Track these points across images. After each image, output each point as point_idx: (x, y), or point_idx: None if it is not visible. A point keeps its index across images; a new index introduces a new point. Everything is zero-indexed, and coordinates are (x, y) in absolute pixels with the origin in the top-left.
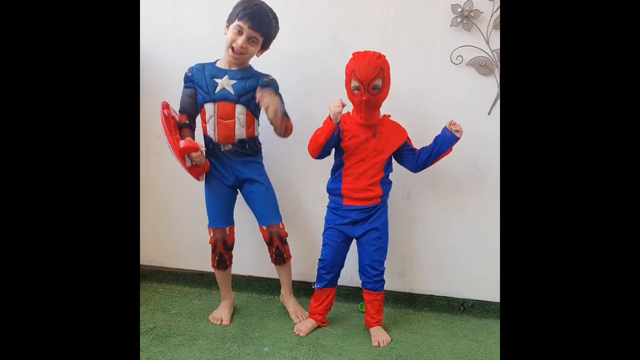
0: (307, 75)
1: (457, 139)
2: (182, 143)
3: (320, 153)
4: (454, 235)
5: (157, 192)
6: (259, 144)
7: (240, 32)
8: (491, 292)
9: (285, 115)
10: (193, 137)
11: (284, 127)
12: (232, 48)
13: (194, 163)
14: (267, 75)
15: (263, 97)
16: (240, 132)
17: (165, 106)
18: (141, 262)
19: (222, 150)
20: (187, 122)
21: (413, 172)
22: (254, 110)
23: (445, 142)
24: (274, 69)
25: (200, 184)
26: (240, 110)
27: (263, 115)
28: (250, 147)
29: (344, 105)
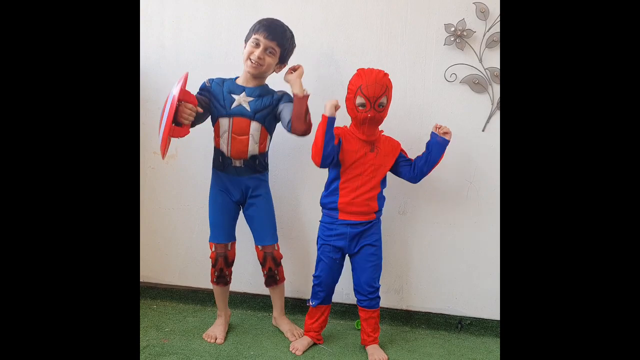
0: None
1: (447, 142)
2: (184, 93)
3: (322, 158)
4: (450, 251)
5: (152, 208)
6: (267, 160)
7: (257, 44)
8: (489, 309)
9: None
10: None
11: (306, 113)
12: (250, 59)
13: (179, 119)
14: (279, 91)
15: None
16: (253, 148)
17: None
18: None
19: (233, 165)
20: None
21: (412, 182)
22: (268, 127)
23: (437, 147)
24: (270, 86)
25: (196, 202)
26: (255, 126)
27: (276, 131)
28: (260, 164)
29: (339, 107)
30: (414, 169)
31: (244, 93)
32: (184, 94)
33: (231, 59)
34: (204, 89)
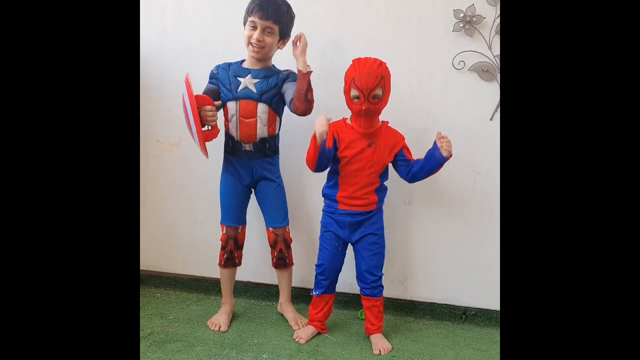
0: None
1: (445, 160)
2: (198, 95)
3: (316, 167)
4: (455, 242)
5: (155, 197)
6: (278, 143)
7: (254, 27)
8: (494, 300)
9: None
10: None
11: (307, 90)
12: (251, 44)
13: (205, 124)
14: (285, 70)
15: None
16: (262, 131)
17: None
18: (139, 267)
19: (243, 149)
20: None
21: (406, 181)
22: (276, 108)
23: (435, 162)
24: (277, 66)
25: (200, 190)
26: (262, 108)
27: (283, 119)
28: (270, 147)
29: (329, 122)
30: (409, 172)
31: (249, 75)
32: (198, 101)
33: (234, 44)
34: (212, 76)
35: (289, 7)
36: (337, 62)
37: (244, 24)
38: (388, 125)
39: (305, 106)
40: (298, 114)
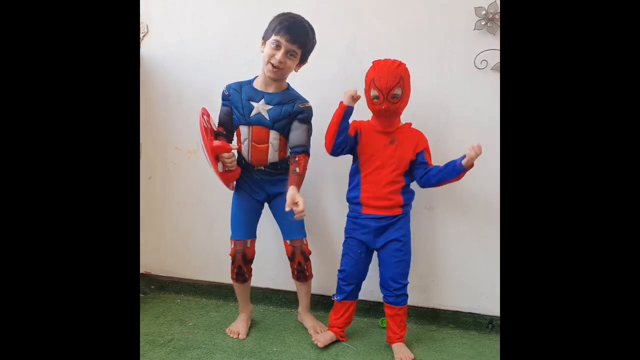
0: (324, 84)
1: (464, 170)
2: (215, 142)
3: (334, 145)
4: (479, 248)
5: (174, 203)
6: (289, 161)
7: (278, 47)
8: None
9: (306, 151)
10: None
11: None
12: (271, 63)
13: (225, 168)
14: (304, 101)
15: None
16: (273, 156)
17: (205, 113)
18: (159, 273)
19: (255, 169)
20: (224, 132)
21: (419, 185)
22: (287, 135)
23: (454, 171)
24: (289, 79)
25: (218, 196)
26: (274, 135)
27: None
28: (282, 167)
29: (358, 97)
30: (424, 175)
31: (262, 100)
32: (214, 150)
33: (252, 53)
34: (224, 98)
35: (314, 32)
36: (354, 67)
37: (264, 38)
38: (411, 126)
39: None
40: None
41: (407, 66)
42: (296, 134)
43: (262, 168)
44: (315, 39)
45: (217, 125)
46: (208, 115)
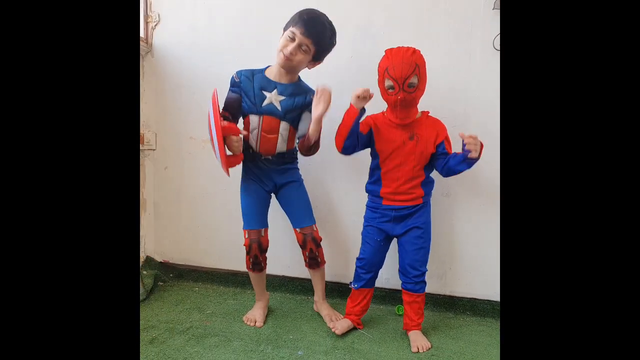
0: (338, 69)
1: (473, 162)
2: (224, 123)
3: (344, 145)
4: (496, 235)
5: (191, 193)
6: (296, 151)
7: (292, 39)
8: None
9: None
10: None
11: (316, 140)
12: (283, 53)
13: (232, 151)
14: (313, 92)
15: (321, 100)
16: (281, 147)
17: (216, 95)
18: (177, 262)
19: (262, 158)
20: (229, 117)
21: (441, 175)
22: (297, 126)
23: (462, 164)
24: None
25: (235, 185)
26: (284, 126)
27: None
28: (289, 156)
29: (370, 96)
30: (445, 165)
31: (275, 91)
32: (224, 130)
33: (263, 42)
34: (233, 84)
35: (333, 34)
36: (369, 50)
37: (284, 29)
38: (429, 115)
39: (307, 154)
40: (301, 153)
41: (422, 49)
42: (305, 123)
43: (270, 157)
44: (334, 40)
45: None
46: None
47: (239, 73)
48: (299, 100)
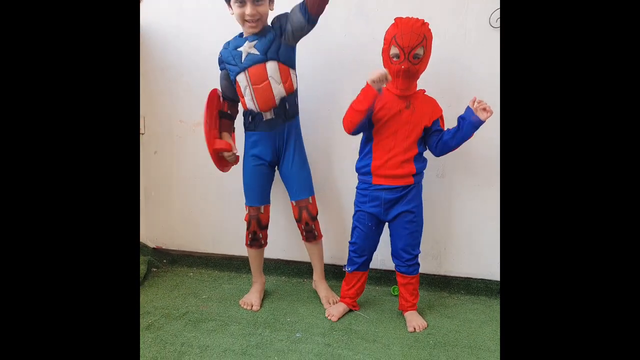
0: (330, 48)
1: (482, 122)
2: (217, 143)
3: (356, 129)
4: (491, 215)
5: (184, 177)
6: (297, 101)
7: (242, 3)
8: None
9: None
10: (232, 129)
11: None
12: (246, 21)
13: (228, 165)
14: (274, 20)
15: None
16: (278, 90)
17: (214, 95)
18: (171, 247)
19: (264, 119)
20: (228, 111)
21: (434, 154)
22: (285, 60)
23: (470, 126)
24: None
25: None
26: (271, 66)
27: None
28: (291, 107)
29: (388, 80)
30: (439, 142)
31: (247, 42)
32: (216, 146)
33: None
34: (220, 62)
35: None
36: (362, 29)
37: (227, 2)
38: (425, 93)
39: (322, 5)
40: (314, 11)
41: (429, 27)
42: (293, 12)
43: (272, 113)
44: None
45: (222, 100)
46: (217, 99)
47: (220, 52)
48: (270, 34)
